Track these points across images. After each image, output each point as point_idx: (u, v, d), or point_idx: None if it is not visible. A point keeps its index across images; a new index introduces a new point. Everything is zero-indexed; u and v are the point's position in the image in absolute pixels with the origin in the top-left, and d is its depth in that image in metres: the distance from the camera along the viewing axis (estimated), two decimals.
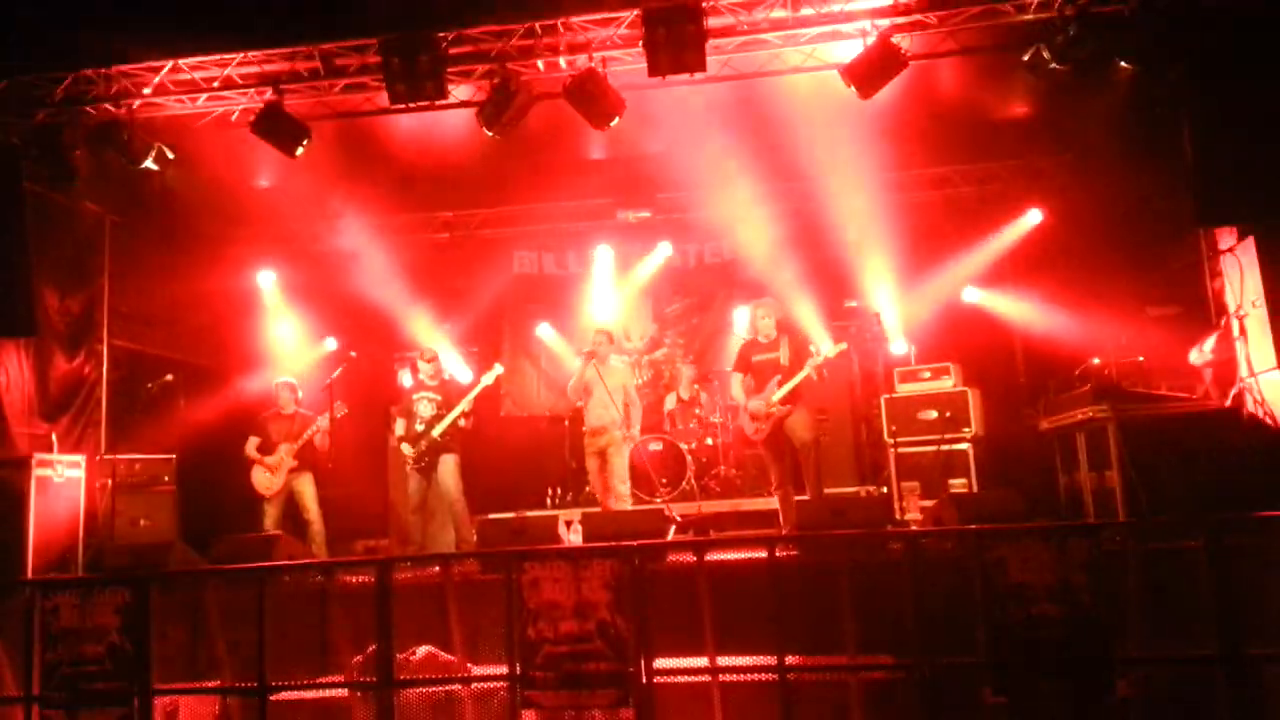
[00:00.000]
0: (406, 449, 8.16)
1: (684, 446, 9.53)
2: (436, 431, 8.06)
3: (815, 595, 5.06)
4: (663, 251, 11.14)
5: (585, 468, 8.66)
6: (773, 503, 7.90)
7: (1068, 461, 7.90)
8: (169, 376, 9.20)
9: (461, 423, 8.14)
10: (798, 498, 7.42)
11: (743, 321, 10.66)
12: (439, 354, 8.68)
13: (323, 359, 10.46)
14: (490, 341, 11.47)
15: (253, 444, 8.39)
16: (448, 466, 8.10)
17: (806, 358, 7.41)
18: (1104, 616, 4.57)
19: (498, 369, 8.35)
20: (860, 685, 4.91)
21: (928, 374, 9.17)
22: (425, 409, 8.20)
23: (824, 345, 7.66)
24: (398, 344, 10.91)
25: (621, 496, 8.15)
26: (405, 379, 10.36)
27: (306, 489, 8.30)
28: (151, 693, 5.37)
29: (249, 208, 10.16)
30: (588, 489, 9.48)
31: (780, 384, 7.41)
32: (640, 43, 6.97)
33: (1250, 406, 6.82)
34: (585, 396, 8.29)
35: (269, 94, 7.47)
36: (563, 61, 7.42)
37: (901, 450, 8.86)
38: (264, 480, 8.26)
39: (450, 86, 7.30)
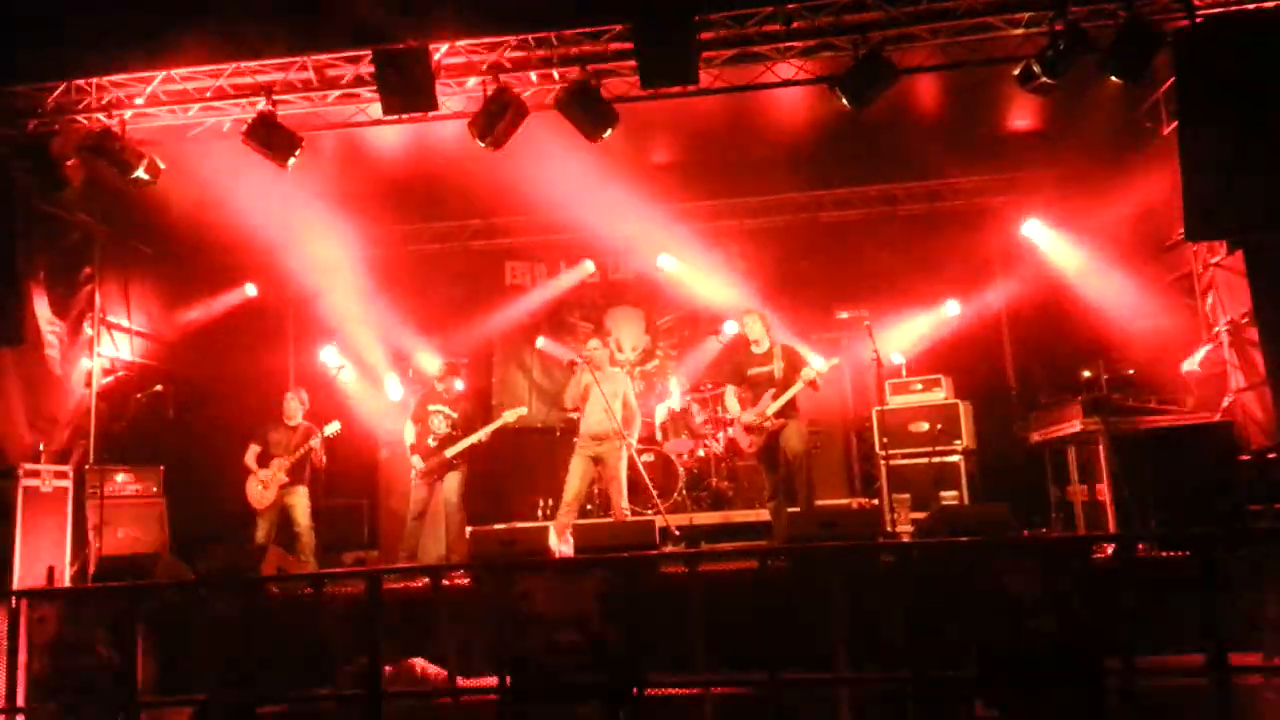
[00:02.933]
0: (417, 461, 8.16)
1: (676, 458, 9.51)
2: (450, 453, 8.07)
3: (807, 607, 5.05)
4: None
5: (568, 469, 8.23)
6: (764, 514, 7.90)
7: (1059, 474, 7.92)
8: (158, 387, 9.16)
9: (483, 438, 8.17)
10: (790, 510, 7.41)
11: (732, 333, 10.69)
12: (453, 370, 8.62)
13: (318, 370, 10.44)
14: (482, 352, 11.44)
15: (252, 452, 8.37)
16: (452, 481, 8.12)
17: (800, 368, 7.44)
18: (1095, 628, 4.57)
19: (521, 410, 8.36)
20: (852, 698, 4.90)
21: (919, 386, 9.19)
22: (438, 424, 8.19)
23: (817, 360, 7.65)
24: (391, 356, 10.89)
25: (622, 510, 8.05)
26: (394, 390, 10.34)
27: (299, 502, 8.27)
28: (138, 705, 5.33)
29: (240, 219, 10.13)
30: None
31: (774, 397, 7.43)
32: (633, 54, 6.99)
33: (1240, 419, 6.85)
34: (582, 403, 8.15)
35: (262, 104, 7.47)
36: (555, 73, 7.44)
37: (893, 462, 8.86)
38: (256, 493, 8.23)
39: (443, 98, 7.31)
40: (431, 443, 8.14)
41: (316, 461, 8.32)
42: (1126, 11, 6.72)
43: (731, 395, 7.82)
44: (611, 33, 7.17)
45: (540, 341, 11.28)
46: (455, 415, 8.23)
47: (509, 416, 8.24)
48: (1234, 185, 6.49)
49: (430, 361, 10.13)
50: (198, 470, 9.21)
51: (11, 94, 7.59)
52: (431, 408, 8.28)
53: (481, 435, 8.13)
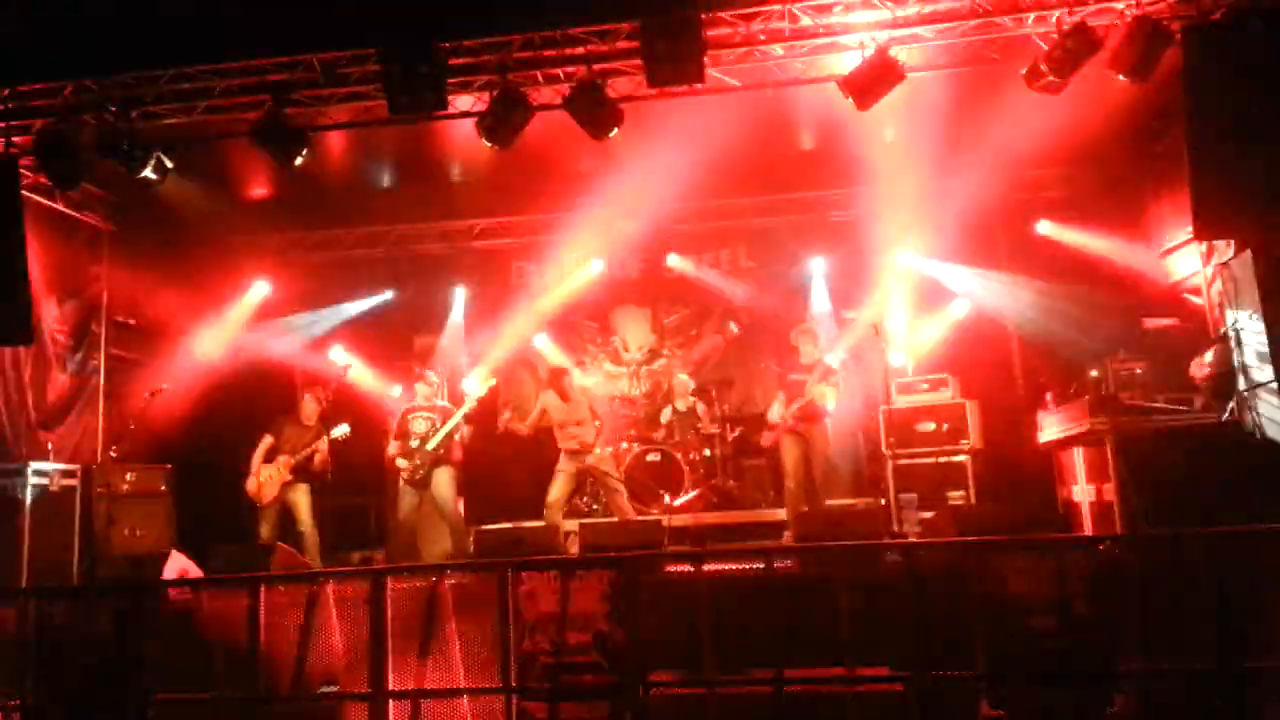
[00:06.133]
0: (402, 463, 8.22)
1: (681, 458, 9.51)
2: (431, 445, 8.10)
3: (813, 607, 5.04)
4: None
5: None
6: (770, 514, 8.03)
7: (1066, 474, 7.90)
8: (166, 385, 9.18)
9: (458, 436, 8.20)
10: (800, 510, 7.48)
11: (737, 332, 10.87)
12: (437, 375, 8.84)
13: (325, 371, 10.46)
14: (489, 353, 11.43)
15: (264, 444, 8.38)
16: (442, 478, 8.15)
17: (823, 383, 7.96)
18: (1102, 629, 4.56)
19: (491, 381, 8.44)
20: (857, 698, 4.89)
21: (926, 386, 9.18)
22: (420, 426, 8.30)
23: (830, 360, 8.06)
24: (397, 356, 10.89)
25: (626, 512, 8.21)
26: (401, 393, 10.36)
27: (301, 500, 8.28)
28: (145, 702, 5.34)
29: (247, 217, 10.16)
30: (584, 498, 9.47)
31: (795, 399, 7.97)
32: (639, 54, 6.99)
33: (1248, 419, 6.82)
34: (553, 426, 8.40)
35: (269, 103, 7.47)
36: (562, 73, 7.44)
37: (899, 462, 8.85)
38: (254, 488, 8.22)
39: (450, 97, 7.31)
40: (414, 444, 8.23)
41: (320, 463, 8.33)
42: (1135, 10, 6.70)
43: (779, 400, 8.40)
44: (619, 32, 7.16)
45: (537, 340, 11.26)
46: (434, 415, 8.32)
47: (480, 391, 8.37)
48: (1242, 184, 6.45)
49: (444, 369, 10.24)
50: (205, 469, 9.23)
51: (20, 92, 7.61)
52: (412, 415, 8.39)
53: (458, 418, 8.21)
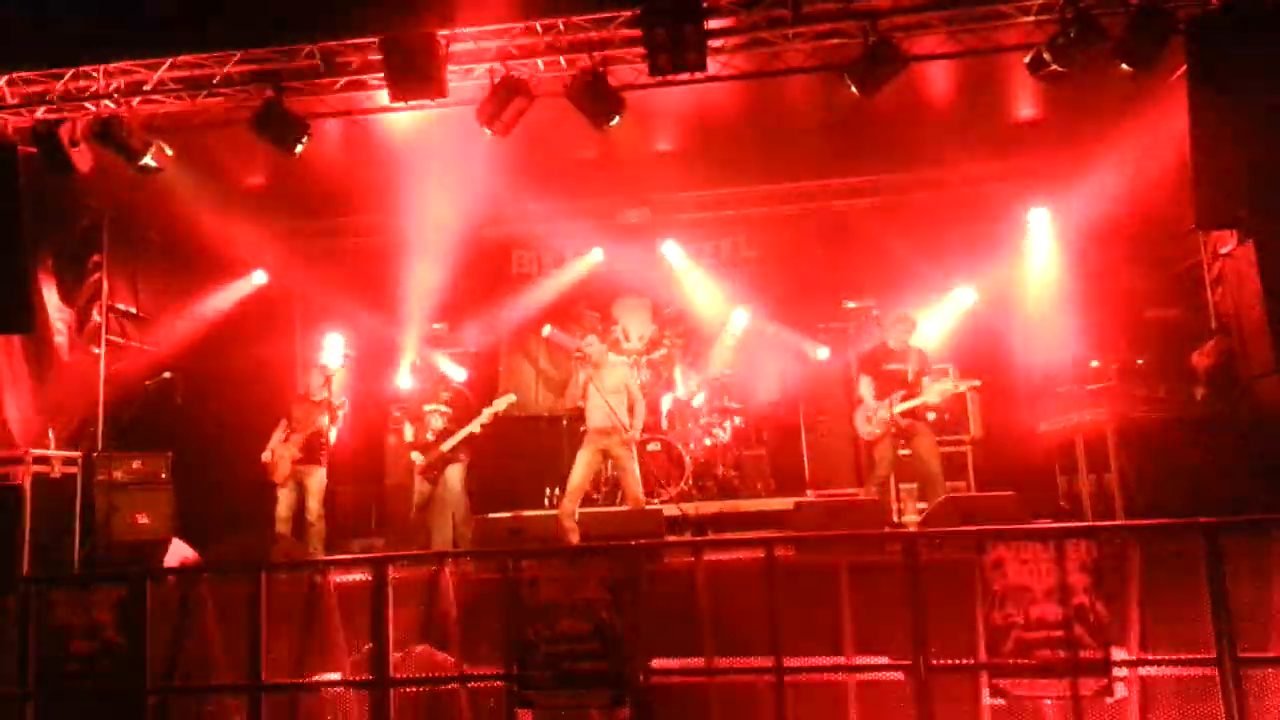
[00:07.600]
0: (417, 458, 8.32)
1: (682, 447, 9.51)
2: (446, 447, 8.21)
3: (813, 596, 5.05)
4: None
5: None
6: (771, 503, 7.98)
7: (1066, 464, 7.90)
8: (167, 374, 9.18)
9: (476, 429, 8.26)
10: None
11: (741, 323, 10.88)
12: (448, 376, 9.03)
13: (326, 355, 10.46)
14: (488, 341, 11.44)
15: (282, 426, 8.37)
16: (454, 473, 8.29)
17: (926, 374, 7.78)
18: (1101, 619, 4.57)
19: (510, 398, 8.50)
20: (857, 686, 4.91)
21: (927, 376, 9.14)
22: (436, 421, 8.37)
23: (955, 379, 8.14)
24: (396, 344, 10.89)
25: (639, 499, 8.07)
26: (403, 380, 10.38)
27: (314, 486, 8.17)
28: (145, 690, 5.36)
29: (248, 204, 10.14)
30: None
31: (904, 399, 7.71)
32: (641, 42, 6.96)
33: (1248, 410, 6.83)
34: (584, 400, 8.20)
35: (269, 91, 7.46)
36: (563, 60, 7.41)
37: (899, 452, 8.84)
38: (269, 459, 8.23)
39: (450, 84, 7.29)
40: (429, 436, 8.31)
41: (327, 441, 8.33)
42: None
43: (865, 383, 8.04)
44: (619, 19, 7.14)
45: (546, 330, 11.27)
46: (450, 411, 8.38)
47: (499, 405, 8.36)
48: (1245, 175, 6.44)
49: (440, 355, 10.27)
50: (206, 456, 9.23)
51: (20, 79, 7.59)
52: (427, 407, 8.44)
53: (474, 426, 8.24)
